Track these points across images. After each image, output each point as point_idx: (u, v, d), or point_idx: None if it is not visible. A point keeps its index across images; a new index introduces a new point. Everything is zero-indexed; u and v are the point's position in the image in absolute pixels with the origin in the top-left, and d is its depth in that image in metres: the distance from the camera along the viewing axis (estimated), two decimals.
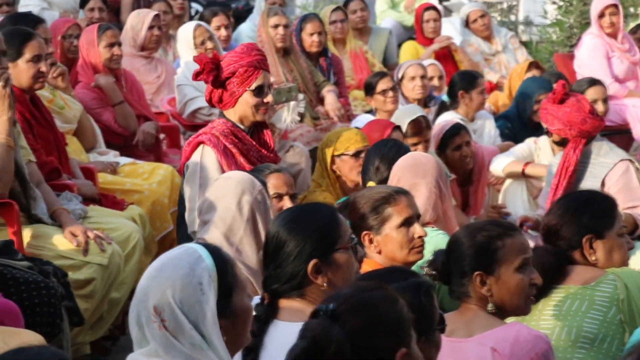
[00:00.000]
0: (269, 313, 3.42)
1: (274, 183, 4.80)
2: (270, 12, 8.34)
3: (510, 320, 3.70)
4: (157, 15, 8.14)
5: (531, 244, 3.83)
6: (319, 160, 6.49)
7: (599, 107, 7.46)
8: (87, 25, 8.17)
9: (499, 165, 7.21)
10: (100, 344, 5.67)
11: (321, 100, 8.34)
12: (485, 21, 10.28)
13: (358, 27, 10.00)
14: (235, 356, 2.99)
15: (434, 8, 10.13)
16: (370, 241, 4.07)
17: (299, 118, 7.44)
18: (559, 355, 3.84)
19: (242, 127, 5.41)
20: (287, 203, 4.84)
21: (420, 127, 6.57)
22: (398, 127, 6.34)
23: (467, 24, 10.40)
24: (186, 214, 5.31)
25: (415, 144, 6.53)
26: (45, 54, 5.73)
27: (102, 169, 6.53)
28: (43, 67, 5.65)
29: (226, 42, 8.92)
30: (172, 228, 6.63)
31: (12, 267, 4.62)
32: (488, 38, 10.32)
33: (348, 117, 8.36)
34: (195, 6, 12.12)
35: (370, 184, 5.18)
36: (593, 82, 7.75)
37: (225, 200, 4.22)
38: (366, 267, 3.76)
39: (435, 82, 8.81)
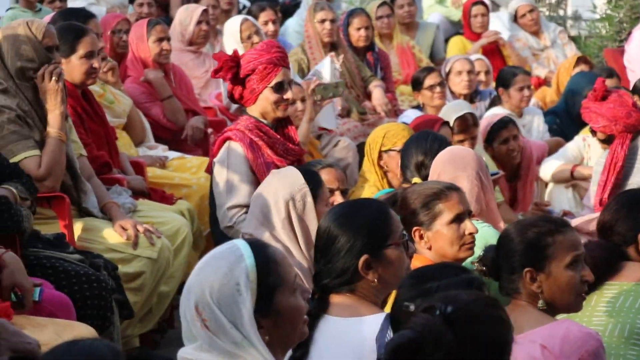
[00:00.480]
0: (319, 308, 3.42)
1: (326, 178, 4.81)
2: (317, 7, 8.35)
3: (561, 317, 3.68)
4: (205, 10, 8.17)
5: (583, 240, 3.81)
6: (367, 156, 6.48)
7: None
8: (136, 21, 8.22)
9: (548, 171, 7.18)
10: (149, 337, 5.71)
11: (368, 96, 8.34)
12: (533, 16, 10.23)
13: (405, 22, 9.98)
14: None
15: (482, 3, 10.08)
16: (421, 237, 4.07)
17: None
18: (611, 352, 3.81)
19: (265, 122, 5.45)
20: (338, 198, 4.85)
21: (466, 124, 6.54)
22: (447, 123, 6.32)
23: (515, 18, 10.35)
24: (217, 211, 5.35)
25: (461, 141, 6.50)
26: (97, 50, 5.78)
27: (151, 163, 6.58)
28: (95, 63, 5.69)
29: (273, 37, 8.94)
30: None
31: (64, 260, 4.66)
32: (536, 33, 10.26)
33: (395, 112, 8.35)
34: (243, 1, 12.14)
35: (415, 180, 5.16)
36: None
37: (268, 196, 4.25)
38: (416, 262, 3.76)
39: (482, 77, 8.77)
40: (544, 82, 9.71)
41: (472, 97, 8.25)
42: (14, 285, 3.99)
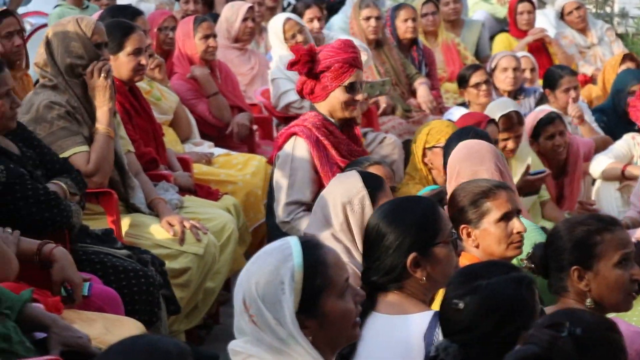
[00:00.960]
0: (367, 305, 3.41)
1: None
2: (362, 4, 8.35)
3: (609, 316, 3.65)
4: (251, 7, 8.19)
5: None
6: (412, 153, 6.48)
7: None
8: (182, 17, 8.26)
9: (598, 168, 7.13)
10: (194, 333, 5.74)
11: (413, 93, 8.33)
12: (580, 13, 10.17)
13: (450, 19, 9.96)
14: None
15: (528, 0, 10.03)
16: (468, 235, 4.05)
17: None
18: None
19: (332, 120, 5.44)
20: None
21: (511, 122, 6.50)
22: (493, 121, 6.30)
23: (562, 16, 10.29)
24: (275, 204, 5.36)
25: (506, 139, 6.47)
26: (145, 47, 5.81)
27: (197, 159, 6.61)
28: (143, 60, 5.73)
29: (318, 34, 8.95)
30: (265, 219, 6.69)
31: (112, 255, 4.69)
32: (583, 30, 10.20)
33: (440, 109, 8.33)
34: None
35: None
36: None
37: (328, 198, 4.26)
38: (464, 260, 3.74)
39: (528, 74, 8.73)
40: (590, 80, 9.65)
41: (516, 94, 8.21)
42: (64, 280, 4.03)
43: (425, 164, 6.26)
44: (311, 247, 2.85)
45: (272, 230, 5.46)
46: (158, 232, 5.31)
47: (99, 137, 5.13)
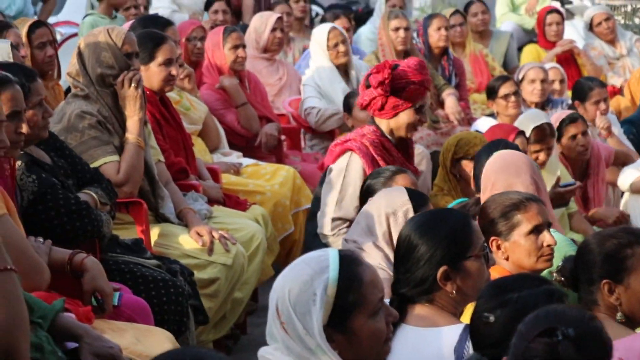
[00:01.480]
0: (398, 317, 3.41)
1: (401, 183, 4.81)
2: (391, 15, 8.36)
3: None
4: (279, 18, 8.22)
5: None
6: (441, 164, 6.46)
7: None
8: (211, 28, 8.29)
9: (627, 180, 7.10)
10: (222, 343, 5.74)
11: (441, 104, 8.32)
12: (609, 24, 10.14)
13: (479, 30, 9.95)
14: None
15: (557, 11, 10.02)
16: (498, 247, 4.04)
17: None
18: None
19: (390, 138, 5.42)
20: None
21: (544, 134, 6.48)
22: (522, 133, 6.28)
23: (590, 27, 10.26)
24: (319, 214, 5.36)
25: (537, 151, 6.45)
26: (176, 57, 5.83)
27: (226, 169, 6.63)
28: (174, 71, 5.75)
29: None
30: (293, 230, 6.70)
31: (142, 265, 4.70)
32: (612, 42, 10.16)
33: (468, 120, 8.32)
34: (316, 8, 12.20)
35: None
36: None
37: (372, 208, 4.29)
38: (494, 273, 3.73)
39: (557, 85, 8.69)
40: (619, 91, 9.62)
41: (543, 105, 8.19)
42: (95, 290, 4.05)
43: (454, 175, 6.25)
44: (349, 262, 2.84)
45: (309, 237, 5.46)
46: (187, 242, 5.33)
47: (129, 147, 5.15)
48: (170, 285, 4.64)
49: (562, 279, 3.71)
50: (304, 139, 8.06)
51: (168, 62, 5.73)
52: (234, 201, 6.18)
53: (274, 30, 8.10)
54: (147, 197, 5.31)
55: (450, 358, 3.30)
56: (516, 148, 5.25)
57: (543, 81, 8.15)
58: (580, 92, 7.91)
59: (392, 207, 4.23)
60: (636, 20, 12.81)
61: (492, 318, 3.03)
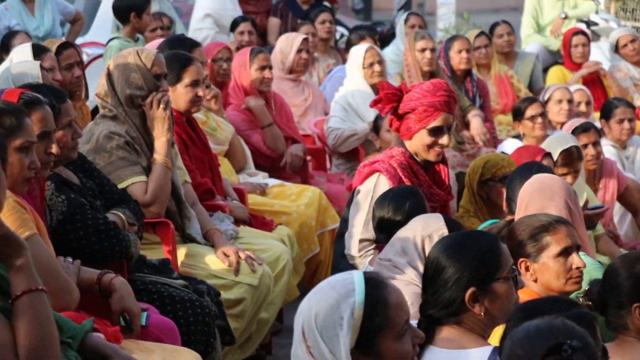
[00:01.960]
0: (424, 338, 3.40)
1: None
2: (417, 36, 8.37)
3: None
4: (305, 39, 8.25)
5: None
6: (467, 186, 6.46)
7: None
8: (237, 49, 8.33)
9: None
10: None
11: (466, 125, 8.31)
12: (635, 46, 10.12)
13: (504, 51, 9.95)
14: None
15: (582, 33, 10.00)
16: (527, 269, 4.03)
17: None
18: None
19: (418, 160, 5.40)
20: None
21: (572, 157, 6.46)
22: (549, 154, 6.27)
23: (616, 49, 10.25)
24: (346, 235, 5.35)
25: (564, 174, 6.43)
26: (202, 78, 5.86)
27: (252, 190, 6.64)
28: (200, 92, 5.77)
29: None
30: (318, 250, 6.70)
31: (169, 285, 4.72)
32: (638, 63, 10.15)
33: (493, 142, 8.31)
34: (341, 29, 12.22)
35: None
36: None
37: (408, 231, 4.32)
38: (523, 296, 3.72)
39: (583, 107, 8.68)
40: None
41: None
42: (123, 310, 4.06)
43: (481, 197, 6.24)
44: (375, 285, 2.84)
45: (337, 258, 5.46)
46: (213, 262, 5.34)
47: (156, 168, 5.17)
48: (197, 306, 4.65)
49: (589, 302, 3.70)
50: (329, 159, 8.07)
51: (195, 83, 5.75)
52: (260, 222, 6.19)
53: (299, 51, 8.13)
54: (174, 218, 5.33)
55: None
56: (549, 171, 5.25)
57: (569, 101, 8.15)
58: (606, 111, 7.91)
59: (428, 230, 4.24)
60: None
61: None
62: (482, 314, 3.40)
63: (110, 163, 5.10)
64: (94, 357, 3.55)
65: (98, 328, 3.76)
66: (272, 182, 6.93)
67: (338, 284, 2.84)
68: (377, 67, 7.91)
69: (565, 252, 4.00)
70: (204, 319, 4.64)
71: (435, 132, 5.29)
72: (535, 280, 4.03)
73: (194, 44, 6.56)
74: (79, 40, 9.96)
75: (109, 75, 5.23)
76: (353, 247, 5.30)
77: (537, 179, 4.65)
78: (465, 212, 6.32)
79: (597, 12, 11.52)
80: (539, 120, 7.57)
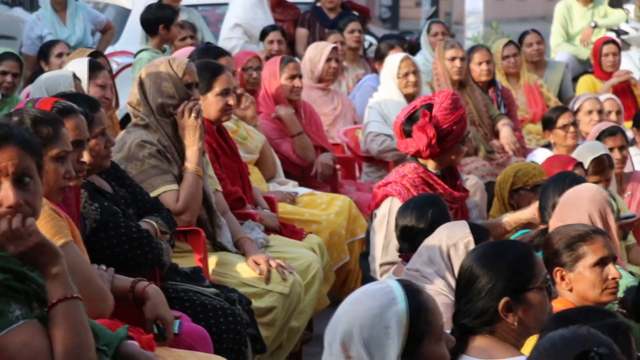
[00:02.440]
0: (457, 348, 3.39)
1: None
2: (447, 45, 8.36)
3: None
4: (334, 48, 8.26)
5: None
6: (497, 195, 6.45)
7: None
8: (266, 58, 8.35)
9: None
10: None
11: (496, 134, 8.29)
12: None
13: (534, 60, 9.91)
14: None
15: (613, 42, 9.96)
16: (562, 278, 4.03)
17: None
18: None
19: (434, 171, 5.41)
20: None
21: (603, 165, 6.45)
22: (580, 164, 6.25)
23: None
24: (370, 258, 5.41)
25: (595, 183, 6.41)
26: (233, 87, 5.88)
27: (282, 198, 6.65)
28: (231, 101, 5.79)
29: None
30: (348, 259, 6.71)
31: (201, 293, 4.73)
32: None
33: (523, 151, 8.29)
34: (369, 38, 12.22)
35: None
36: None
37: (434, 240, 4.32)
38: (558, 305, 3.71)
39: (613, 117, 8.63)
40: None
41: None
42: (156, 318, 4.08)
43: (512, 206, 6.23)
44: (413, 292, 2.87)
45: (366, 276, 5.52)
46: (244, 270, 5.35)
47: (188, 176, 5.19)
48: (229, 314, 4.66)
49: (624, 310, 3.68)
50: (358, 168, 8.06)
51: (225, 92, 5.77)
52: (290, 230, 6.20)
53: (329, 60, 8.14)
54: (205, 226, 5.34)
55: None
56: (583, 180, 5.24)
57: (599, 112, 8.12)
58: (637, 119, 7.88)
59: (453, 238, 4.25)
60: None
61: None
62: (516, 323, 3.39)
63: (142, 171, 5.12)
64: None
65: (132, 336, 3.77)
66: (302, 190, 6.94)
67: (377, 293, 2.85)
68: (412, 77, 7.88)
69: (601, 262, 3.99)
70: (236, 327, 4.65)
71: (463, 141, 5.46)
72: (571, 290, 4.03)
73: (223, 53, 6.59)
74: (109, 49, 10.01)
75: (141, 84, 5.26)
76: (376, 271, 5.37)
77: (575, 189, 4.69)
78: None
79: (627, 21, 11.48)
80: (571, 129, 7.54)
